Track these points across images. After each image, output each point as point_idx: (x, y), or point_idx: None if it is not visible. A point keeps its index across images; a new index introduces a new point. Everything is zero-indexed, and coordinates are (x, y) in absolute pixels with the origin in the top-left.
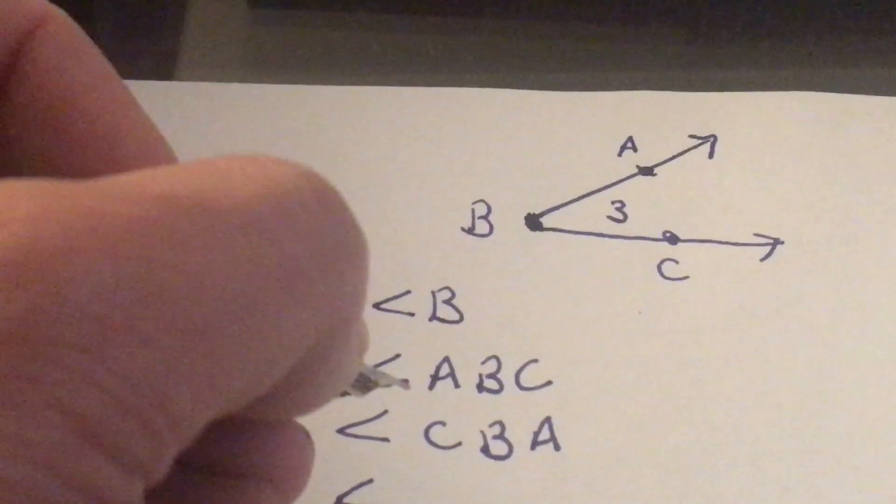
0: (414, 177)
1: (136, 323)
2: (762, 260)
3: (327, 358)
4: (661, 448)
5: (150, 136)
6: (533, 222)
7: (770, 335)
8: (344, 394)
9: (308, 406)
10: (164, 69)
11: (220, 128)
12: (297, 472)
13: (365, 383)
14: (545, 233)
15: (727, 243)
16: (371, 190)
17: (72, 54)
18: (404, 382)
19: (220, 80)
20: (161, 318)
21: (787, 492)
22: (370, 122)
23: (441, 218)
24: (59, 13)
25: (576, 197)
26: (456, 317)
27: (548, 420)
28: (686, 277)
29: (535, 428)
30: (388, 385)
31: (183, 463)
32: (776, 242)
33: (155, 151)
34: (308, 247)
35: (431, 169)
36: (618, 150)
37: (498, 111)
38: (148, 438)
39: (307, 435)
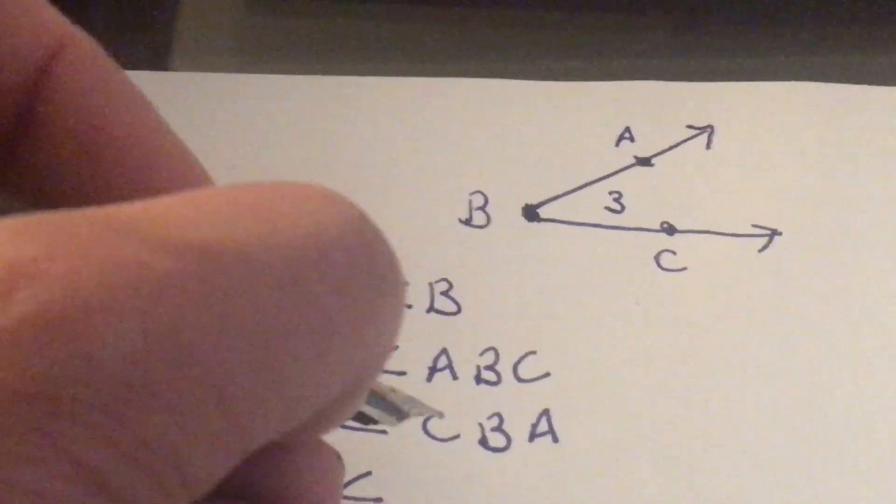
0: (411, 168)
1: (157, 386)
2: (760, 251)
3: (352, 400)
4: (660, 439)
5: (182, 156)
6: (530, 213)
7: (768, 326)
8: (376, 422)
9: (325, 431)
10: (158, 59)
11: (215, 118)
12: (328, 495)
13: (400, 413)
14: (542, 224)
15: (725, 234)
16: (367, 181)
17: (96, 75)
18: (439, 413)
19: (215, 70)
20: (183, 381)
21: (783, 480)
22: (366, 113)
23: (438, 209)
24: (81, 35)
25: (573, 188)
26: (454, 308)
27: (546, 412)
28: (684, 268)
29: (534, 420)
30: (422, 415)
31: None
32: (774, 233)
33: (188, 171)
34: (346, 299)
35: (428, 160)
36: (615, 140)
37: (495, 101)
38: (161, 495)
39: (339, 457)
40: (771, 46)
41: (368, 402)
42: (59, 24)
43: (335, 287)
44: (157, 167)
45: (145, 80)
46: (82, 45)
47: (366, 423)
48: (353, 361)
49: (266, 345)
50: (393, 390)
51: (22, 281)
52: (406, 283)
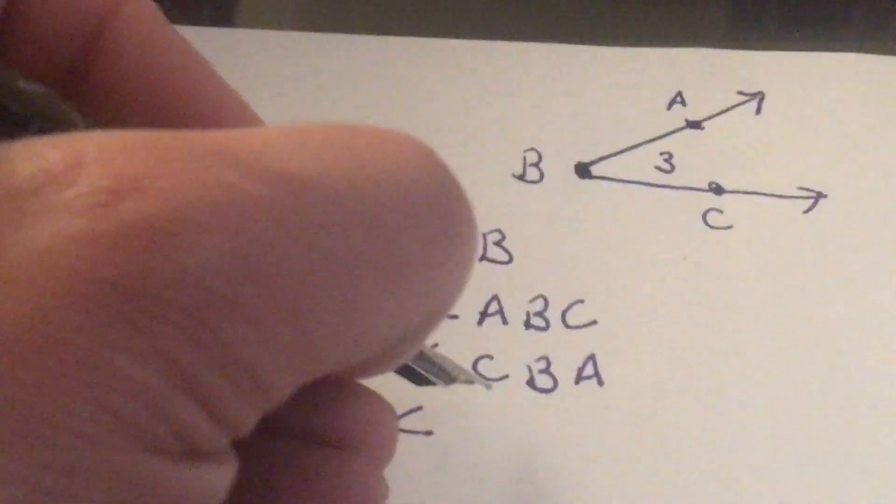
0: (470, 125)
1: (241, 299)
2: (805, 212)
3: (417, 340)
4: (699, 385)
5: (242, 109)
6: (582, 170)
7: (810, 283)
8: (428, 383)
9: (383, 371)
10: (223, 16)
11: (277, 75)
12: (386, 443)
13: (449, 377)
14: (594, 181)
15: (771, 195)
16: (426, 137)
17: (152, 30)
18: (487, 384)
19: (278, 28)
20: (265, 298)
21: (821, 425)
22: (427, 73)
23: (494, 164)
24: None
25: (625, 147)
26: (505, 258)
27: (592, 357)
28: (730, 227)
29: (580, 364)
30: (471, 382)
31: (282, 432)
32: (819, 196)
33: (249, 123)
34: (422, 243)
35: (486, 118)
36: (667, 104)
37: (552, 65)
38: (237, 397)
39: (393, 411)
40: (822, 19)
41: (422, 363)
42: None
43: (413, 229)
44: (218, 118)
45: (209, 37)
46: (137, 3)
47: (419, 383)
48: (423, 302)
49: (342, 275)
50: (443, 358)
51: (128, 192)
52: (478, 234)
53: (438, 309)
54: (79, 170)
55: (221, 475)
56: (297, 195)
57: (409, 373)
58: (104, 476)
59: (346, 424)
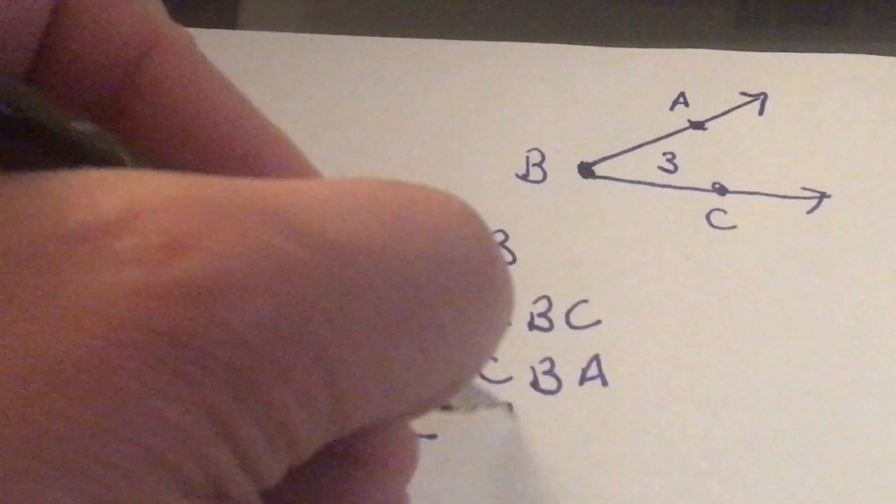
0: (473, 125)
1: (278, 357)
2: (809, 212)
3: (448, 396)
4: (704, 385)
5: (285, 144)
6: (585, 170)
7: (814, 285)
8: (449, 408)
9: (416, 418)
10: (227, 18)
11: (281, 77)
12: (410, 458)
13: (473, 403)
14: (597, 181)
15: (775, 196)
16: (430, 137)
17: (189, 69)
18: (509, 407)
19: (281, 30)
20: (301, 358)
21: (826, 426)
22: (430, 74)
23: (497, 164)
24: (175, 30)
25: (628, 148)
26: (509, 258)
27: (596, 357)
28: (734, 227)
29: (584, 364)
30: (493, 407)
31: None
32: (823, 196)
33: (292, 160)
34: (457, 313)
35: (490, 118)
36: (670, 104)
37: (555, 65)
38: (269, 449)
39: (415, 433)
40: (825, 21)
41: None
42: (151, 21)
43: (450, 297)
44: (261, 154)
45: (212, 39)
46: (174, 42)
47: (440, 408)
48: (456, 364)
49: (376, 338)
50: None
51: (181, 250)
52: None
53: (472, 368)
54: (134, 221)
55: None
56: (337, 260)
57: None
58: None
59: (372, 442)
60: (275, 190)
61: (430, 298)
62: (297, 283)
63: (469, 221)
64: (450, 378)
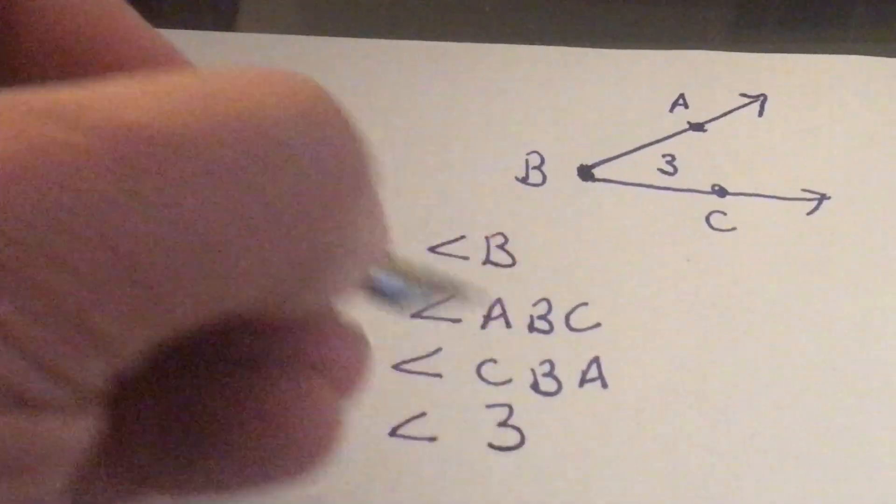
0: (471, 129)
1: (54, 249)
2: (809, 214)
3: (321, 277)
4: (704, 387)
5: (168, 50)
6: (585, 173)
7: (813, 285)
8: (400, 305)
9: (326, 299)
10: (225, 20)
11: None
12: (351, 367)
13: (435, 290)
14: (596, 183)
15: (775, 197)
16: (430, 140)
17: None
18: (467, 291)
19: (279, 32)
20: (86, 247)
21: (825, 431)
22: (429, 76)
23: (496, 167)
24: None
25: (627, 150)
26: (509, 261)
27: (596, 360)
28: (734, 228)
29: (584, 367)
30: (459, 296)
31: (228, 359)
32: (823, 197)
33: (174, 63)
34: (281, 187)
35: (488, 121)
36: (669, 106)
37: (554, 67)
38: (71, 352)
39: (361, 333)
40: (824, 22)
41: (389, 282)
42: None
43: (275, 176)
44: (143, 61)
45: (210, 41)
46: None
47: (401, 307)
48: (301, 247)
49: (187, 226)
50: (429, 272)
51: None
52: (372, 170)
53: (338, 248)
54: None
55: (73, 429)
56: (122, 143)
57: (376, 294)
58: None
59: (299, 347)
60: (58, 91)
61: (249, 178)
62: (67, 168)
63: (299, 97)
64: (301, 258)
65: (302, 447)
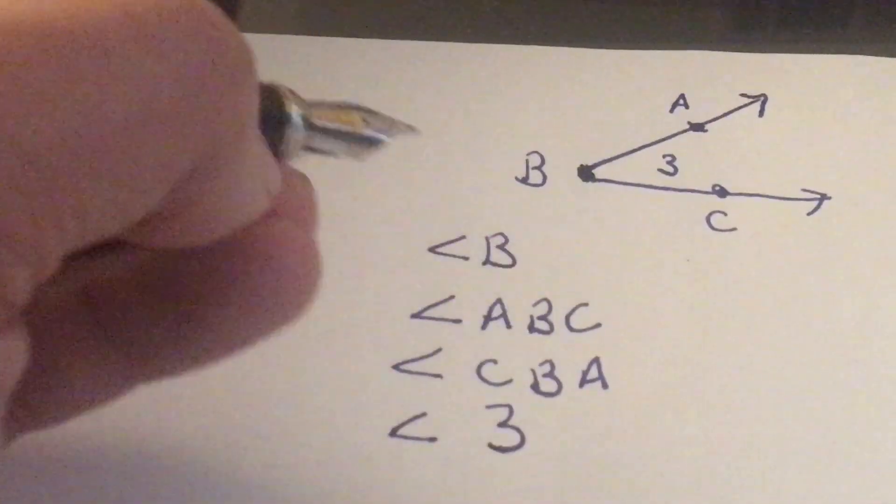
0: (471, 129)
1: None
2: (809, 214)
3: (215, 178)
4: (704, 388)
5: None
6: (585, 173)
7: (815, 287)
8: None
9: (221, 223)
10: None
11: (281, 79)
12: (305, 205)
13: (373, 138)
14: (597, 183)
15: (775, 197)
16: (429, 140)
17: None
18: (413, 128)
19: (280, 32)
20: None
21: (828, 430)
22: (429, 77)
23: (496, 168)
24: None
25: (627, 150)
26: (509, 261)
27: (596, 360)
28: (734, 229)
29: (584, 367)
30: (385, 134)
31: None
32: (823, 198)
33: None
34: (170, 72)
35: (488, 122)
36: (669, 106)
37: (554, 68)
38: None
39: (304, 176)
40: (824, 22)
41: (326, 135)
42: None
43: (155, 58)
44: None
45: None
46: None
47: (356, 157)
48: (195, 135)
49: (86, 117)
50: (366, 116)
51: None
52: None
53: (226, 141)
54: None
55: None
56: (9, 40)
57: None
58: None
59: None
60: None
61: (134, 65)
62: None
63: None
64: (199, 149)
65: (292, 277)
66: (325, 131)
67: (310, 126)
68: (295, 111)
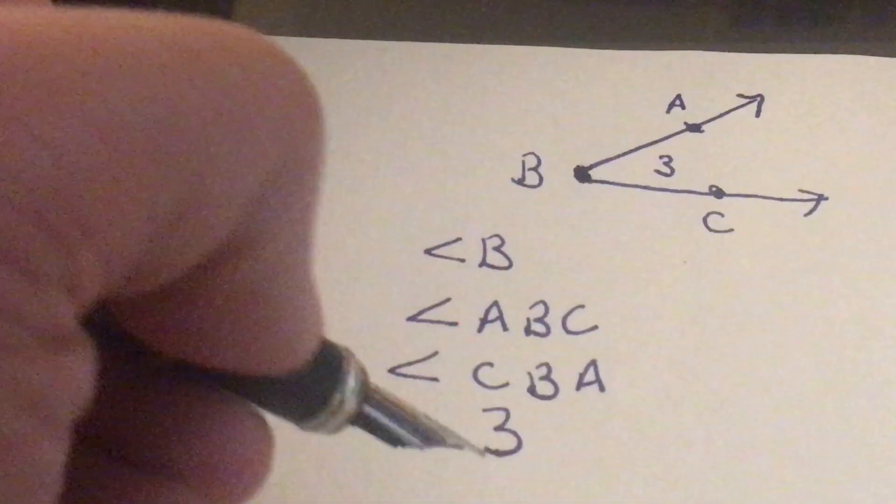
0: (468, 130)
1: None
2: (806, 215)
3: (275, 217)
4: (701, 389)
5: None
6: (582, 174)
7: (811, 285)
8: (405, 445)
9: (274, 281)
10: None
11: None
12: (253, 463)
13: (429, 436)
14: (593, 184)
15: (772, 198)
16: (426, 141)
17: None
18: (481, 451)
19: (275, 34)
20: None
21: (826, 431)
22: (426, 78)
23: (492, 169)
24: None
25: (624, 151)
26: (505, 263)
27: (593, 363)
28: (731, 230)
29: (581, 370)
30: (458, 447)
31: (117, 457)
32: (820, 198)
33: None
34: (212, 113)
35: (485, 123)
36: (666, 107)
37: (550, 68)
38: (55, 246)
39: (265, 424)
40: (821, 22)
41: (396, 421)
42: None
43: (199, 95)
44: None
45: None
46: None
47: (394, 444)
48: (246, 171)
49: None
50: (427, 417)
51: None
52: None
53: (282, 172)
54: None
55: (64, 371)
56: (80, 39)
57: (383, 433)
58: None
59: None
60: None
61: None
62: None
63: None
64: (249, 181)
65: None
66: (380, 406)
67: (365, 394)
68: (354, 371)
